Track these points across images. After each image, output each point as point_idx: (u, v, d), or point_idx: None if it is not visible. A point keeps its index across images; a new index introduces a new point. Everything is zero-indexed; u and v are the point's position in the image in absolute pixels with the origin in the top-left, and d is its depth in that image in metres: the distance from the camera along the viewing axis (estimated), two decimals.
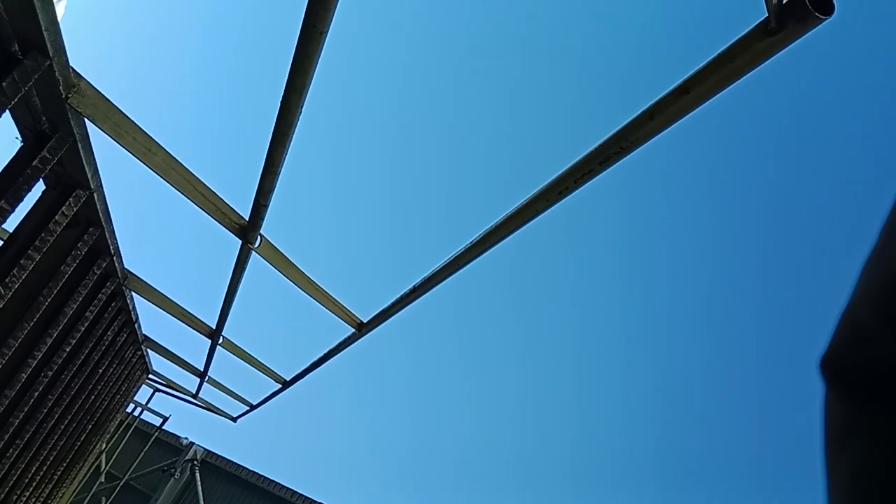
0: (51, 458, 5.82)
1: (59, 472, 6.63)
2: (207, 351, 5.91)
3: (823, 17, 1.13)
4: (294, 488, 14.53)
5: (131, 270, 4.78)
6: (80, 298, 4.14)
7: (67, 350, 4.51)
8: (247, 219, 3.09)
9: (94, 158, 3.04)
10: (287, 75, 1.88)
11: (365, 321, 3.84)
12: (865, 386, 0.49)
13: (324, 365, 5.03)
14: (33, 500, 6.36)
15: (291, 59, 1.80)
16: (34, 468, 5.51)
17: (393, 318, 3.69)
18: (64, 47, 2.15)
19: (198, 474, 15.90)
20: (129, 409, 10.71)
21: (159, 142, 2.75)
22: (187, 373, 7.44)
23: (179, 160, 2.83)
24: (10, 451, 4.75)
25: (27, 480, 5.56)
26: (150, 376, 8.65)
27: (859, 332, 0.50)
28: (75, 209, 3.21)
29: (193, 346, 6.69)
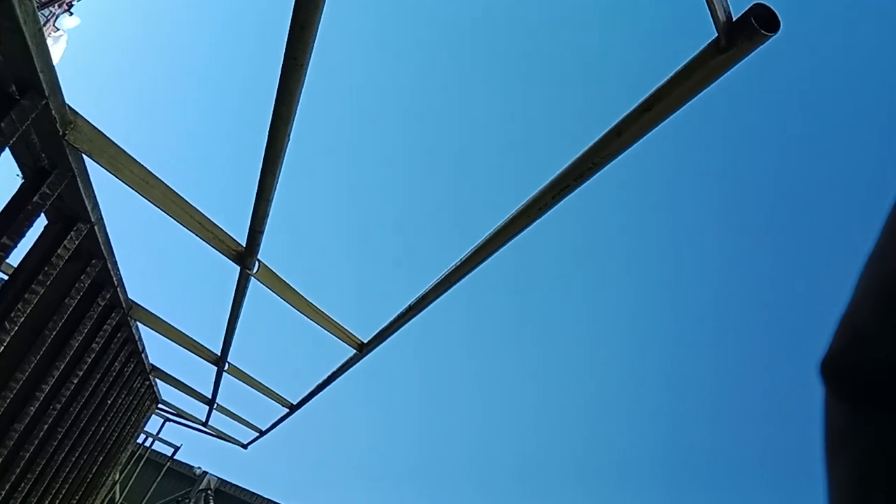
0: (63, 491, 5.86)
1: None
2: (214, 378, 5.96)
3: (769, 34, 1.18)
4: None
5: (135, 300, 4.85)
6: (86, 330, 4.20)
7: (75, 382, 4.56)
8: (244, 245, 3.16)
9: (94, 192, 3.12)
10: (273, 106, 1.95)
11: (365, 342, 3.88)
12: (866, 388, 0.49)
13: (329, 386, 5.07)
14: None
15: (276, 90, 1.87)
16: (47, 501, 5.54)
17: (394, 335, 3.74)
18: (59, 86, 2.23)
19: (212, 502, 15.86)
20: (140, 440, 10.74)
21: (156, 174, 2.83)
22: (196, 401, 7.49)
23: (176, 191, 2.90)
24: (22, 484, 4.79)
25: None
26: (160, 406, 8.69)
27: (859, 333, 0.50)
28: (77, 242, 3.28)
29: (200, 375, 6.75)
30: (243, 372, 5.63)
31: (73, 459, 5.62)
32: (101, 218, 3.40)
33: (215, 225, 3.10)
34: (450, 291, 3.05)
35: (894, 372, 0.46)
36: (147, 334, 5.76)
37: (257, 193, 2.49)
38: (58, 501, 5.91)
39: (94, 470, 6.76)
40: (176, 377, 6.99)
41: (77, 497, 6.68)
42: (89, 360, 4.60)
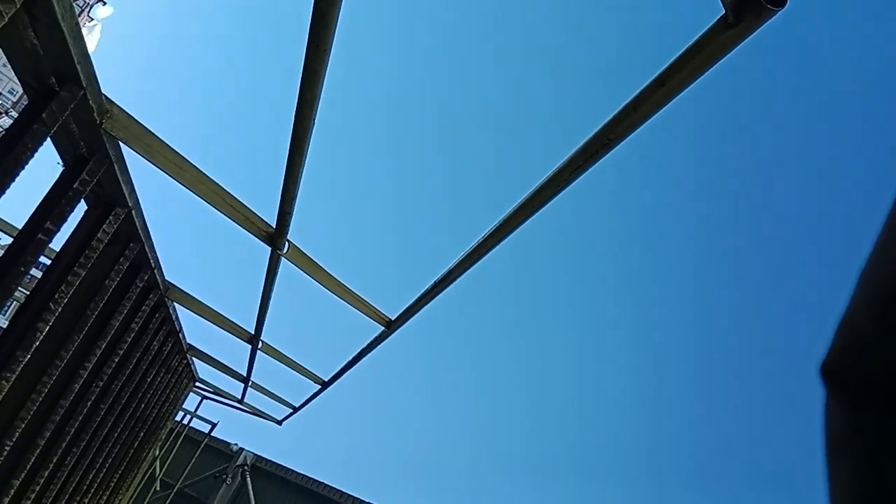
0: (107, 466, 6.12)
1: (115, 479, 6.94)
2: (249, 356, 6.13)
3: (776, 9, 1.21)
4: (342, 489, 14.78)
5: (172, 282, 5.01)
6: (126, 311, 4.37)
7: (116, 360, 4.75)
8: (274, 226, 3.26)
9: (130, 178, 3.24)
10: (298, 90, 2.02)
11: (393, 319, 3.98)
12: (866, 390, 0.49)
13: (359, 364, 5.19)
14: None
15: (301, 75, 1.94)
16: (91, 475, 5.80)
17: (424, 311, 3.83)
18: (96, 77, 2.33)
19: (249, 479, 16.30)
20: (178, 417, 11.08)
21: (188, 158, 2.93)
22: (231, 379, 7.71)
23: (208, 174, 3.01)
24: (68, 459, 5.02)
25: (85, 487, 5.85)
26: (197, 384, 8.97)
27: (859, 336, 0.50)
28: (116, 226, 3.42)
29: (235, 354, 6.95)
30: (276, 350, 5.79)
31: (116, 435, 5.86)
32: (138, 202, 3.53)
33: (245, 207, 3.20)
34: (466, 285, 3.13)
35: (894, 375, 0.47)
36: (184, 315, 5.95)
37: (286, 175, 2.58)
38: (101, 475, 6.18)
39: (135, 445, 7.03)
40: (212, 356, 7.20)
41: (120, 471, 6.97)
42: (129, 339, 4.78)
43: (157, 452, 12.70)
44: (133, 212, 3.51)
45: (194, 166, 2.95)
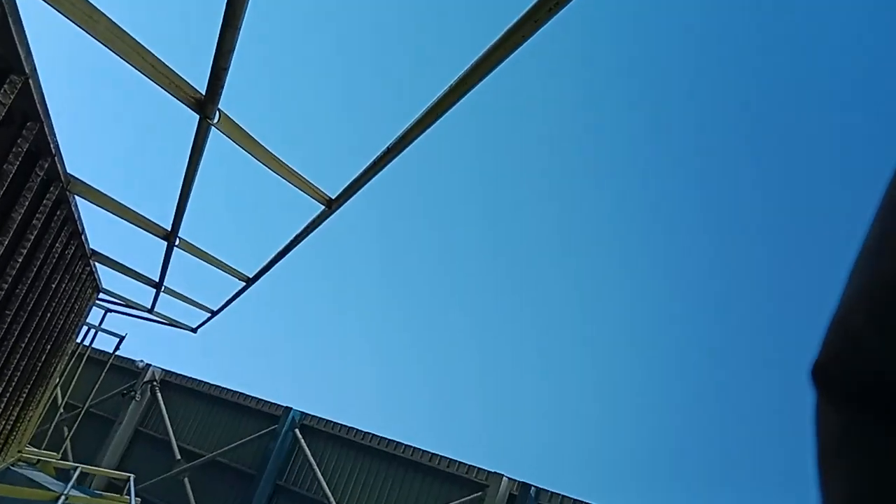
0: (15, 380, 5.70)
1: (24, 395, 6.52)
2: (163, 256, 5.76)
3: None
4: (256, 395, 14.77)
5: (74, 175, 4.54)
6: (27, 203, 3.93)
7: (19, 261, 4.32)
8: (203, 92, 2.95)
9: (26, 37, 2.81)
10: None
11: (334, 197, 3.79)
12: (860, 394, 0.48)
13: (291, 255, 5.00)
14: (2, 422, 6.28)
15: None
16: (0, 388, 5.40)
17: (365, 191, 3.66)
18: None
19: (159, 393, 15.93)
20: (81, 334, 10.45)
21: (100, 9, 2.55)
22: (141, 286, 7.28)
23: (124, 28, 2.64)
24: None
25: None
26: (102, 296, 8.43)
27: (853, 338, 0.48)
28: (11, 98, 2.98)
29: (146, 258, 6.53)
30: (196, 247, 5.46)
31: (23, 346, 5.44)
32: (36, 70, 3.08)
33: (169, 68, 2.86)
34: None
35: (890, 377, 0.45)
36: (90, 216, 5.47)
37: (224, 19, 2.29)
38: (11, 388, 5.77)
39: (42, 359, 6.59)
40: (118, 261, 6.74)
41: (29, 386, 6.54)
42: (31, 238, 4.34)
43: (58, 380, 12.08)
44: (31, 81, 3.07)
45: (107, 17, 2.58)
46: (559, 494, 10.73)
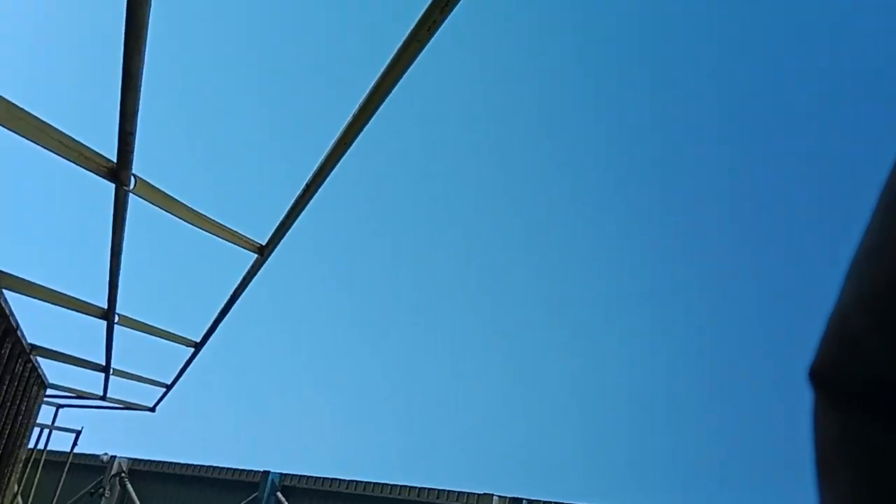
0: None
1: None
2: (105, 337, 5.62)
3: None
4: (231, 466, 14.32)
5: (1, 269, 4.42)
6: None
7: None
8: (115, 160, 2.94)
9: None
10: None
11: (264, 243, 3.80)
12: (860, 396, 0.48)
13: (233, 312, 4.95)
14: None
15: None
16: None
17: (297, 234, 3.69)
18: None
19: (129, 485, 15.27)
20: (34, 437, 9.97)
21: None
22: (90, 372, 7.05)
23: (23, 107, 2.63)
24: None
25: None
26: (48, 393, 8.11)
27: (852, 339, 0.48)
28: None
29: (92, 341, 6.33)
30: (136, 321, 5.34)
31: None
32: None
33: (77, 141, 2.85)
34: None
35: (889, 377, 0.45)
36: (24, 309, 5.30)
37: (123, 81, 2.32)
38: None
39: None
40: (60, 351, 6.52)
41: None
42: None
43: (17, 488, 11.47)
44: None
45: (5, 99, 2.57)
46: (552, 503, 10.71)
